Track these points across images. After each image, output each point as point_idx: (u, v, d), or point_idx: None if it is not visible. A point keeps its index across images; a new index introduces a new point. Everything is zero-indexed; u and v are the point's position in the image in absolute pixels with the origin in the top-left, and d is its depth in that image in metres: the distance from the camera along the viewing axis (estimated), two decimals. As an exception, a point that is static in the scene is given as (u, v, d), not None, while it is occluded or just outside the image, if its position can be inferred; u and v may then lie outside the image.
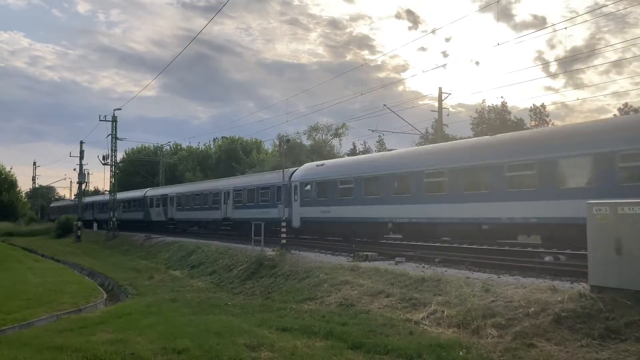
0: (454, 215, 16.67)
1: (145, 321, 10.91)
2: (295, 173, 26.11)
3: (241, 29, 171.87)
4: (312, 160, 44.26)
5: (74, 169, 56.89)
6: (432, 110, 49.01)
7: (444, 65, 54.33)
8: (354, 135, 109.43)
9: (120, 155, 63.15)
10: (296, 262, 16.63)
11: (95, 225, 52.43)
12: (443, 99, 33.26)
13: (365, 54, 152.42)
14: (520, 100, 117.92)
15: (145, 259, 28.04)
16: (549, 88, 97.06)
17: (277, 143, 54.53)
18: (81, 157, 52.55)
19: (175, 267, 23.81)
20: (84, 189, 64.10)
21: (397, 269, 13.27)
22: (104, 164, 47.50)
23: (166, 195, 41.80)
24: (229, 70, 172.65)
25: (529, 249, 16.17)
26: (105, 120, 45.38)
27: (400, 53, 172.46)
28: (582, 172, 13.80)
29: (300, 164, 39.23)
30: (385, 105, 33.40)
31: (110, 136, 45.89)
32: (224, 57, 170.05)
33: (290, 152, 43.61)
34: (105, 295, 18.10)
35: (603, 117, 60.40)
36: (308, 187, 24.47)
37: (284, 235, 20.85)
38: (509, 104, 61.73)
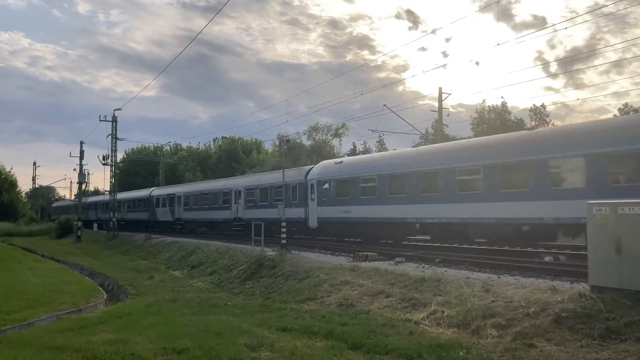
0: (490, 215, 15.66)
1: (146, 321, 10.91)
2: (311, 171, 25.04)
3: (241, 29, 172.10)
4: (312, 161, 44.34)
5: (74, 169, 57.00)
6: (432, 111, 49.19)
7: (444, 66, 54.49)
8: (354, 135, 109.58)
9: (120, 156, 63.38)
10: (296, 262, 16.64)
11: (95, 225, 52.43)
12: (443, 99, 33.22)
13: (366, 54, 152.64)
14: (520, 100, 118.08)
15: (145, 259, 28.03)
16: (549, 88, 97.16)
17: (277, 143, 54.63)
18: (81, 157, 52.60)
19: (175, 267, 23.81)
20: (84, 189, 64.19)
21: (397, 269, 13.28)
22: (104, 164, 47.65)
23: (173, 194, 40.66)
24: (229, 70, 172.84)
25: (529, 249, 16.16)
26: (105, 121, 45.42)
27: (400, 53, 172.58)
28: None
29: (301, 164, 39.33)
30: (385, 105, 33.38)
31: (110, 136, 45.96)
32: (224, 57, 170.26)
33: (290, 152, 43.62)
34: (105, 296, 18.10)
35: (603, 117, 60.44)
36: (326, 185, 23.31)
37: (283, 236, 20.86)
38: (509, 104, 61.91)
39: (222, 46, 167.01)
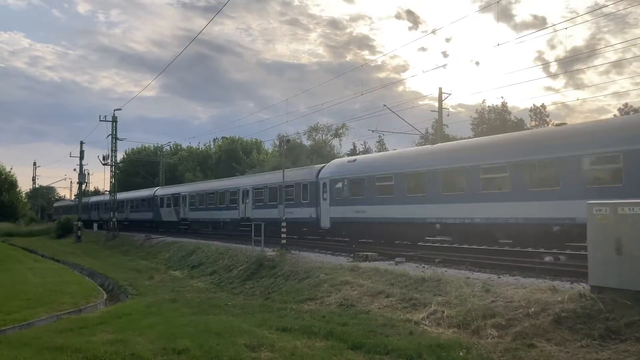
0: (517, 215, 15.06)
1: (146, 321, 10.92)
2: (323, 170, 24.30)
3: (241, 29, 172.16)
4: (312, 161, 44.36)
5: (74, 169, 57.08)
6: (432, 111, 49.27)
7: (444, 66, 54.54)
8: (354, 135, 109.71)
9: (120, 156, 63.45)
10: (296, 262, 16.64)
11: (95, 225, 52.43)
12: (443, 99, 33.31)
13: (366, 54, 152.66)
14: (520, 100, 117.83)
15: (145, 259, 28.03)
16: (549, 88, 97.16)
17: (277, 143, 54.67)
18: (81, 158, 52.64)
19: (175, 268, 23.82)
20: (84, 190, 64.20)
21: (397, 269, 13.28)
22: (104, 164, 47.70)
23: (178, 194, 39.82)
24: (229, 70, 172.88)
25: (529, 249, 16.16)
26: (105, 121, 45.47)
27: (400, 53, 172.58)
28: None
29: (301, 164, 39.33)
30: (385, 105, 33.44)
31: (110, 136, 46.00)
32: (224, 57, 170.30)
33: (291, 152, 43.64)
34: (105, 296, 18.10)
35: (603, 117, 60.45)
36: (339, 184, 22.51)
37: (283, 236, 20.86)
38: (509, 104, 62.00)
39: (222, 46, 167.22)
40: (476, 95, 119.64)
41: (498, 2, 20.39)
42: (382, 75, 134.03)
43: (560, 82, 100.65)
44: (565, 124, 17.22)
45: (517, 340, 7.82)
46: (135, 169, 71.65)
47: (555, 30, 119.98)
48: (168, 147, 74.05)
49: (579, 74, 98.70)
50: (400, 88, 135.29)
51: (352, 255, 17.11)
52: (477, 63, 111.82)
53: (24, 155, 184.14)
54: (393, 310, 10.42)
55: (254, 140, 69.92)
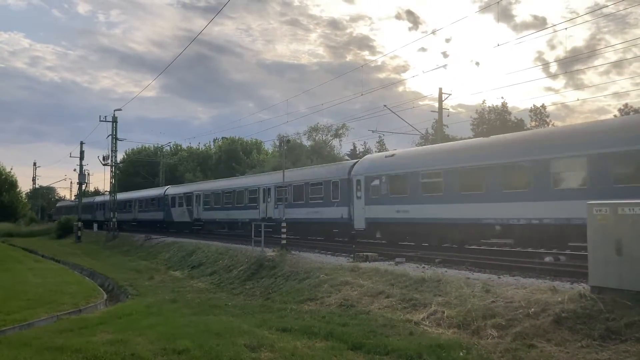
0: None
1: (146, 322, 10.92)
2: (356, 166, 22.83)
3: (241, 29, 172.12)
4: (313, 161, 44.36)
5: (74, 170, 57.16)
6: (432, 111, 49.25)
7: (444, 66, 54.65)
8: (354, 135, 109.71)
9: (120, 156, 63.49)
10: (296, 262, 16.64)
11: (95, 225, 52.44)
12: (443, 99, 33.35)
13: (366, 54, 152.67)
14: (520, 100, 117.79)
15: (145, 260, 28.03)
16: (549, 88, 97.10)
17: (277, 143, 54.69)
18: (81, 158, 52.68)
19: (175, 268, 23.82)
20: (84, 190, 64.23)
21: (397, 270, 13.28)
22: (104, 165, 47.60)
23: (191, 193, 38.00)
24: (229, 70, 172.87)
25: (529, 250, 16.17)
26: (105, 121, 45.45)
27: (400, 54, 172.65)
28: None
29: (300, 165, 39.27)
30: (385, 105, 33.50)
31: (110, 137, 45.98)
32: (224, 58, 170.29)
33: (291, 152, 43.63)
34: (105, 296, 18.09)
35: (603, 117, 60.41)
36: (376, 182, 20.86)
37: (284, 236, 20.85)
38: (509, 105, 61.95)
39: (222, 47, 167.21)
40: (476, 95, 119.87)
41: (498, 2, 20.42)
42: (382, 75, 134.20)
43: (560, 82, 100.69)
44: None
45: (517, 340, 7.82)
46: (135, 170, 71.71)
47: (555, 31, 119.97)
48: (168, 148, 74.26)
49: (579, 74, 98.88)
50: (401, 88, 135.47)
51: (352, 255, 17.13)
52: (477, 63, 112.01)
53: (24, 156, 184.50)
54: (393, 310, 10.42)
55: (254, 140, 70.11)
